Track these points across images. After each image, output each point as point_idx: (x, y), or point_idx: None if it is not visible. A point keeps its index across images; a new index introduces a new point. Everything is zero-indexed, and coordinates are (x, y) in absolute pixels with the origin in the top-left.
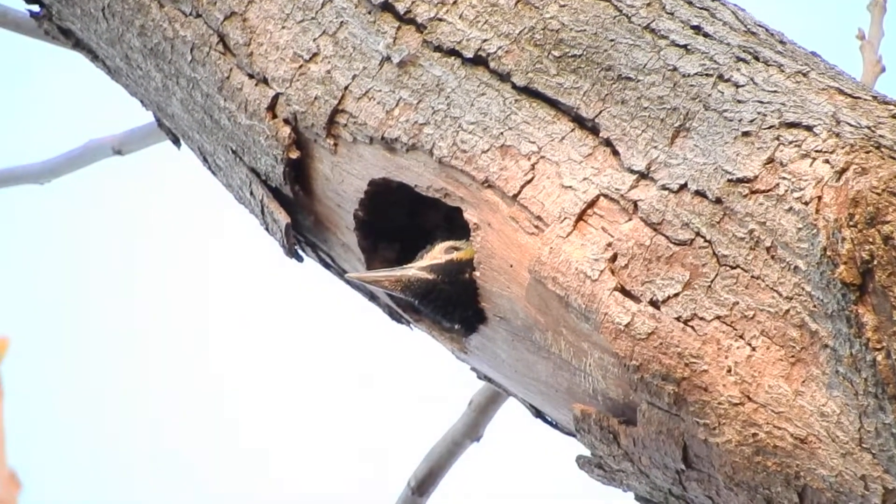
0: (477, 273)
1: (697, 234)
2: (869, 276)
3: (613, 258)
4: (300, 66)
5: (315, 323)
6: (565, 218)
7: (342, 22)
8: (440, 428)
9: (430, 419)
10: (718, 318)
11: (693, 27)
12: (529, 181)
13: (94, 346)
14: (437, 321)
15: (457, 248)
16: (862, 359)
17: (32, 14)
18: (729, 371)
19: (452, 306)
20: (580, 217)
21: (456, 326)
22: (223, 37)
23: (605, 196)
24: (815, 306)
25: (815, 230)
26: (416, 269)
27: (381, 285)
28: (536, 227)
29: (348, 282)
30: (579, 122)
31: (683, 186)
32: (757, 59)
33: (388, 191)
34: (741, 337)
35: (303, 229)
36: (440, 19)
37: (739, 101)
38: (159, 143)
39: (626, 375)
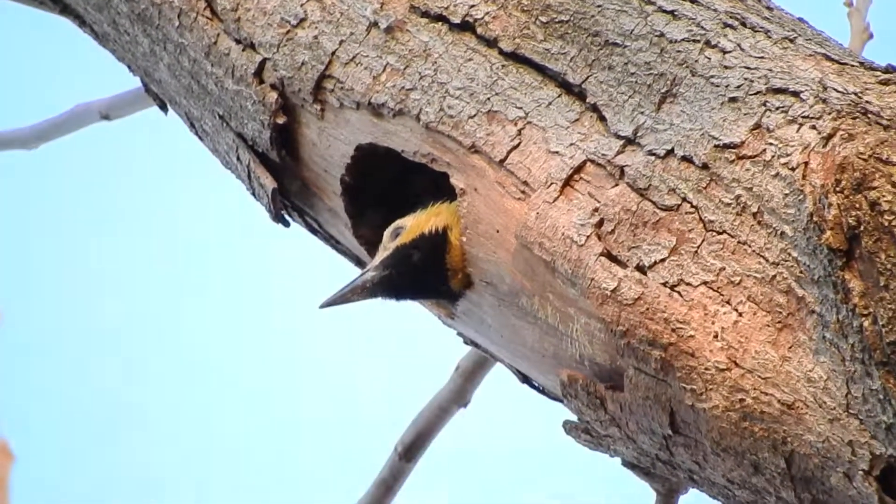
0: (464, 238)
1: (684, 199)
2: (855, 241)
3: (600, 223)
4: (287, 32)
5: (301, 288)
6: (552, 183)
7: None
8: (427, 393)
9: (417, 384)
10: (705, 283)
11: None
12: (516, 146)
13: (83, 312)
14: (426, 298)
15: (401, 228)
16: (849, 324)
17: None
18: (716, 336)
19: (429, 283)
20: (567, 182)
21: (450, 297)
22: (210, 2)
23: (592, 161)
24: (801, 272)
25: (801, 196)
26: (371, 272)
27: (351, 300)
28: (523, 192)
29: (328, 304)
30: (566, 87)
31: (670, 152)
32: (744, 25)
33: (375, 156)
34: (728, 302)
35: (289, 194)
36: None
37: (726, 67)
38: (147, 109)
39: (612, 341)
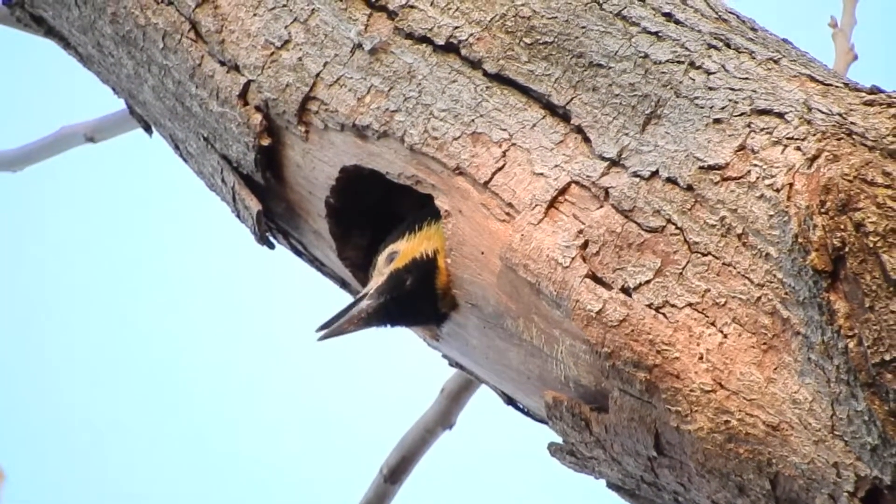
0: (448, 260)
1: (669, 221)
2: (840, 263)
3: (585, 245)
4: (272, 54)
5: (287, 310)
6: (536, 205)
7: (314, 9)
8: (412, 415)
9: (402, 406)
10: (690, 305)
11: (664, 14)
12: (501, 168)
13: (70, 332)
14: (416, 325)
15: (395, 253)
16: (834, 346)
17: (5, 2)
18: (701, 358)
19: (420, 308)
20: (551, 204)
21: (435, 320)
22: (195, 24)
23: (577, 183)
24: (786, 293)
25: (786, 217)
26: (367, 301)
27: (347, 331)
28: (508, 214)
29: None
30: (551, 109)
31: (655, 173)
32: (728, 46)
33: (360, 178)
34: (713, 324)
35: (274, 216)
36: (411, 6)
37: (711, 88)
38: (131, 131)
39: (597, 362)
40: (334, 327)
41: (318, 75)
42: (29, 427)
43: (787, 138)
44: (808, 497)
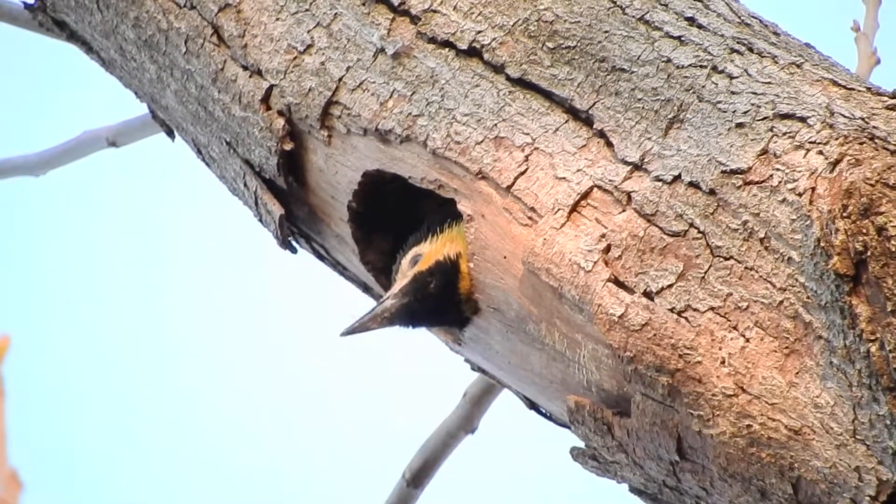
0: (471, 264)
1: (691, 225)
2: (862, 267)
3: (607, 249)
4: (294, 58)
5: (308, 314)
6: (559, 209)
7: (336, 13)
8: (435, 420)
9: (425, 411)
10: (712, 309)
11: (687, 18)
12: (523, 172)
13: (92, 340)
14: (439, 325)
15: (419, 256)
16: (856, 350)
17: (27, 6)
18: (723, 362)
19: (442, 310)
20: (574, 208)
21: (458, 324)
22: (217, 28)
23: (599, 187)
24: (808, 297)
25: (808, 221)
26: (390, 300)
27: (370, 328)
28: (530, 218)
29: (348, 333)
30: (573, 113)
31: (677, 178)
32: (751, 50)
33: (383, 182)
34: (735, 328)
35: (297, 221)
36: (434, 11)
37: (733, 93)
38: (154, 135)
39: (619, 367)
40: (356, 323)
41: (340, 80)
42: (46, 435)
43: (810, 142)
44: (830, 501)
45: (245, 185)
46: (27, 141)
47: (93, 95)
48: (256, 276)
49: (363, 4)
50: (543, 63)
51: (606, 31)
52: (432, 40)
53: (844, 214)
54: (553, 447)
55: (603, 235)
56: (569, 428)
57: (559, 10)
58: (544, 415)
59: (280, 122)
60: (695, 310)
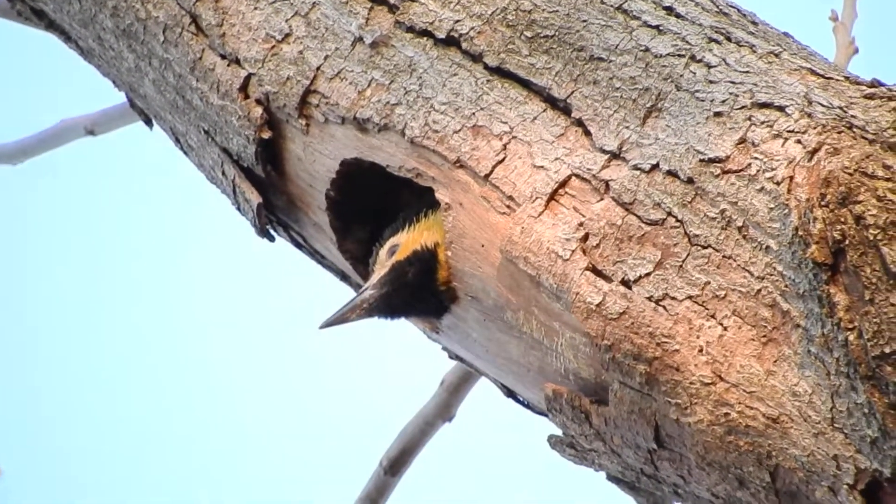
0: (449, 253)
1: (669, 213)
2: (840, 255)
3: (585, 238)
4: (272, 47)
5: (287, 302)
6: (537, 198)
7: (314, 3)
8: (412, 408)
9: (402, 399)
10: (690, 297)
11: (665, 8)
12: (501, 161)
13: (68, 328)
14: (418, 316)
15: (396, 246)
16: (834, 339)
17: None
18: (700, 351)
19: (421, 299)
20: (552, 197)
21: (436, 312)
22: (196, 17)
23: (577, 176)
24: (786, 286)
25: (786, 210)
26: (369, 291)
27: (350, 319)
28: (508, 206)
29: (327, 325)
30: (551, 102)
31: (655, 166)
32: (729, 39)
33: (361, 171)
34: (713, 317)
35: (275, 209)
36: (412, 0)
37: (711, 82)
38: (132, 124)
39: (597, 355)
40: (335, 315)
41: (318, 68)
42: (26, 423)
43: (788, 131)
44: (808, 489)
45: (223, 173)
46: (4, 130)
47: (71, 84)
48: (233, 265)
49: None
50: (521, 52)
51: (584, 21)
52: (410, 29)
53: (822, 203)
54: (530, 435)
55: (581, 224)
56: (546, 416)
57: None
58: (522, 403)
59: (258, 110)
60: (672, 298)
